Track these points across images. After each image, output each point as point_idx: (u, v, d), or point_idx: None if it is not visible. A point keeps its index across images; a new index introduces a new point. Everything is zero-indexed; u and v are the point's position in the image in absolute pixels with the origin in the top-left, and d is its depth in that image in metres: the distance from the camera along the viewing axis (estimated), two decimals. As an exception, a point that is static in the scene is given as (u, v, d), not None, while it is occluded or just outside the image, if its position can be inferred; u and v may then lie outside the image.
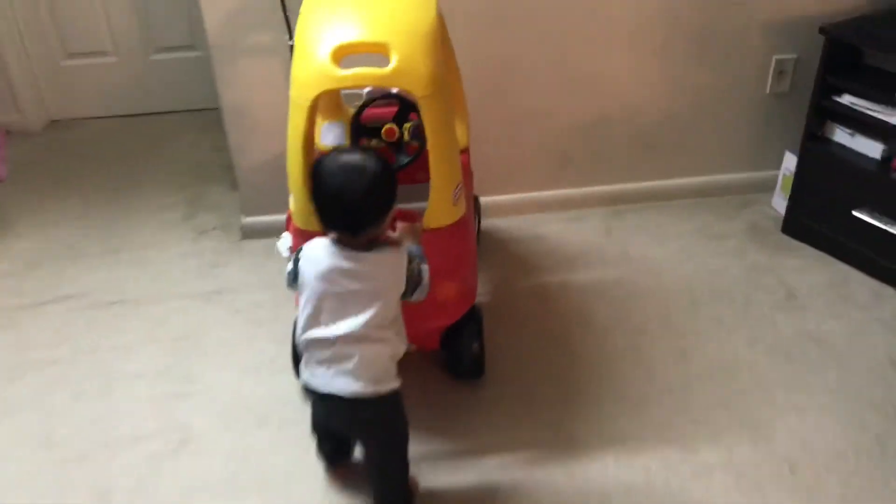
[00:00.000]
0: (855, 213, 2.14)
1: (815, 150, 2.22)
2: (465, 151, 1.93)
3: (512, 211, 2.46)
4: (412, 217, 1.50)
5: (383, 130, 1.72)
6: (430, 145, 1.46)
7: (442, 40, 1.53)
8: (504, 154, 2.37)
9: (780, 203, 2.44)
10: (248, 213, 2.40)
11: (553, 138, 2.38)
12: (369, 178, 1.31)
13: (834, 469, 1.62)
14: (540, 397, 1.81)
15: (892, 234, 2.07)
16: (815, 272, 2.20)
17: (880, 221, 2.09)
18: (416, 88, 1.42)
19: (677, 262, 2.24)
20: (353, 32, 1.45)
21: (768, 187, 2.50)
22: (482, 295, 2.03)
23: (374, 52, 1.43)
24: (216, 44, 2.11)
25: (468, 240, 1.70)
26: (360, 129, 1.75)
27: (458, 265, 1.63)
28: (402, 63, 1.40)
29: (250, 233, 2.40)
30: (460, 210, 1.56)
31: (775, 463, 1.64)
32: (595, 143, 2.41)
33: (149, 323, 2.10)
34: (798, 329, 1.99)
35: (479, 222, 2.27)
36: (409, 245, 1.42)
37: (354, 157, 1.35)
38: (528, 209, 2.46)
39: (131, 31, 2.99)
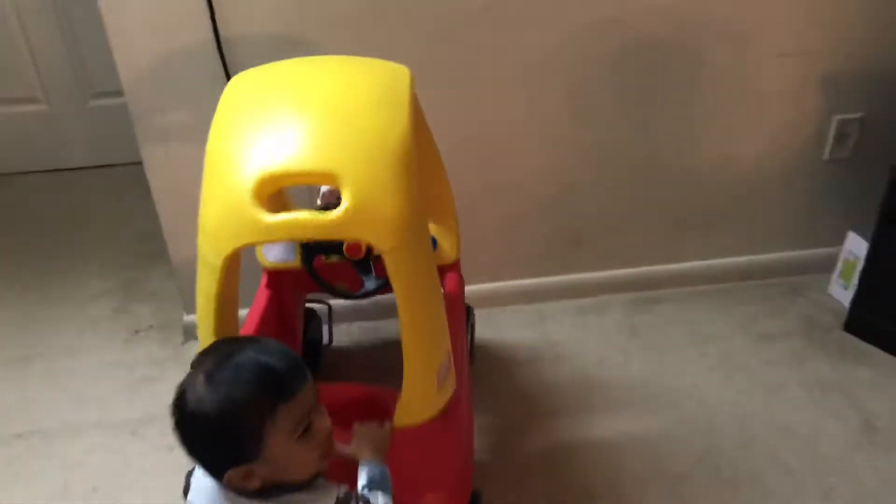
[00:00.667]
0: (947, 320, 1.71)
1: (886, 237, 1.79)
2: (453, 266, 1.50)
3: (512, 300, 2.02)
4: (381, 407, 1.06)
5: (346, 245, 1.28)
6: (400, 311, 1.02)
7: (416, 133, 1.10)
8: (500, 231, 1.94)
9: (838, 291, 2.01)
10: (190, 310, 1.95)
11: (561, 213, 1.95)
12: (199, 421, 0.90)
13: None
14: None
15: None
16: (895, 389, 1.77)
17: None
18: (379, 240, 0.97)
19: (722, 378, 1.81)
20: (288, 153, 1.00)
21: (822, 268, 2.07)
22: (480, 452, 1.59)
23: (319, 185, 1.00)
24: (137, 111, 1.67)
25: (459, 430, 1.24)
26: (315, 243, 1.32)
27: (444, 471, 1.19)
28: (359, 203, 0.96)
29: (193, 333, 1.95)
30: (447, 392, 1.12)
31: None
32: (613, 218, 1.98)
33: (59, 467, 1.66)
34: (885, 477, 1.56)
35: (473, 337, 1.84)
36: (367, 465, 0.99)
37: (205, 386, 0.90)
38: (535, 297, 2.03)
39: (64, 74, 2.54)
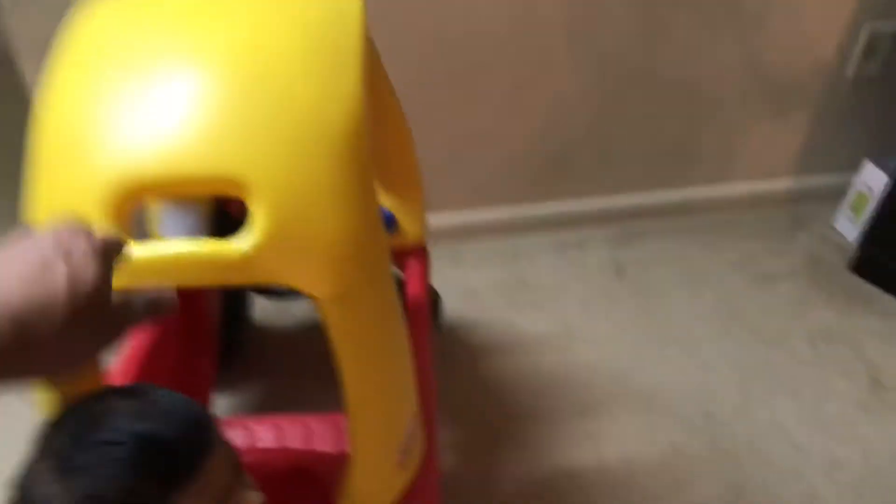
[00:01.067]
0: (974, 270, 1.52)
1: (917, 169, 1.57)
2: (418, 252, 1.23)
3: (486, 231, 1.78)
4: (325, 481, 0.81)
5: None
6: (344, 381, 0.73)
7: (372, 89, 0.78)
8: (469, 151, 1.67)
9: (846, 225, 1.80)
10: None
11: (543, 132, 1.67)
12: None
13: None
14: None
15: None
16: (906, 342, 1.59)
17: None
18: (313, 284, 0.68)
19: (718, 329, 1.60)
20: (164, 145, 0.65)
21: (829, 198, 1.85)
22: (451, 465, 1.37)
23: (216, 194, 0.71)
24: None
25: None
26: (227, 221, 1.01)
27: None
28: (279, 228, 0.65)
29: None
30: (411, 464, 0.86)
31: None
32: (602, 139, 1.71)
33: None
34: (893, 448, 1.39)
35: (439, 316, 1.58)
36: None
37: (57, 480, 0.57)
38: (508, 230, 1.78)
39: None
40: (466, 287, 1.66)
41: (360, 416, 0.74)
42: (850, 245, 1.75)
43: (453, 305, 1.60)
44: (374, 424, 0.76)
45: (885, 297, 1.67)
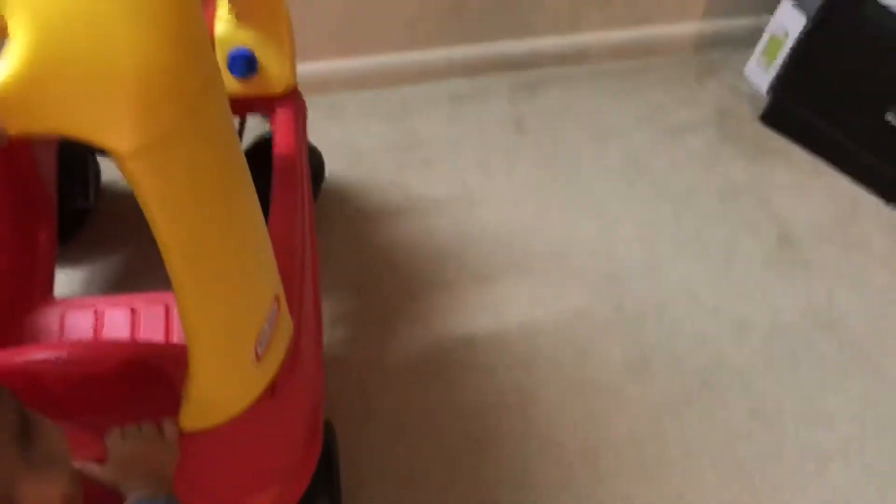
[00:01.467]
0: (889, 118, 1.43)
1: (840, 10, 1.44)
2: (287, 99, 1.01)
3: (366, 82, 1.56)
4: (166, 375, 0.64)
5: None
6: (167, 264, 0.55)
7: None
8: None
9: (757, 73, 1.68)
10: None
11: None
12: None
13: None
14: None
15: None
16: (814, 196, 1.51)
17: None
18: (105, 134, 0.47)
19: (624, 186, 1.48)
20: None
21: (740, 43, 1.72)
22: (338, 345, 1.21)
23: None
24: None
25: (298, 403, 0.79)
26: None
27: (274, 466, 0.78)
28: (49, 59, 0.45)
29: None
30: (276, 357, 0.69)
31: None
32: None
33: None
34: (802, 305, 1.34)
35: (320, 184, 1.37)
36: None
37: None
38: (396, 79, 1.58)
39: None
40: (350, 145, 1.46)
41: (193, 306, 0.56)
42: (760, 96, 1.65)
43: (336, 166, 1.40)
44: (214, 315, 0.59)
45: (796, 149, 1.59)
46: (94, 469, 0.60)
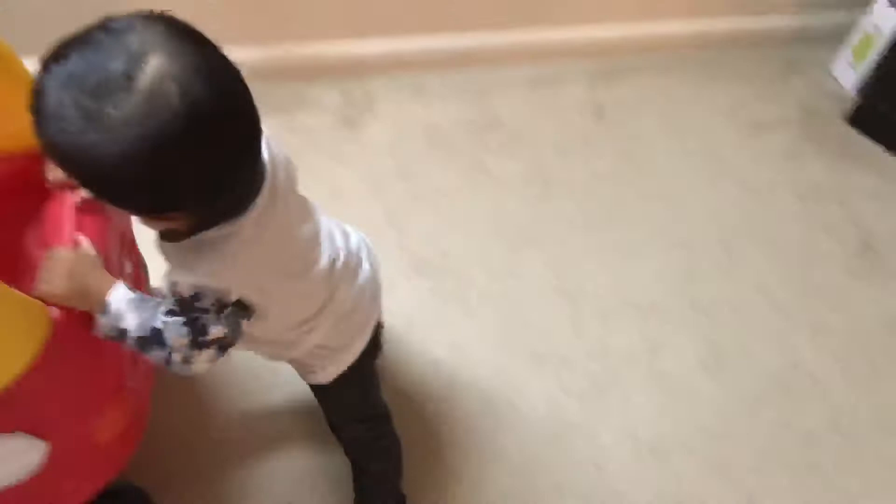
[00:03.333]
0: None
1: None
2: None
3: (444, 63, 1.55)
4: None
5: None
6: None
7: None
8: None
9: (844, 71, 1.65)
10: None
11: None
12: None
13: None
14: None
15: None
16: (899, 202, 1.48)
17: None
18: None
19: (706, 181, 1.46)
20: None
21: (830, 40, 1.68)
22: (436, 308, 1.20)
23: None
24: None
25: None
26: None
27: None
28: None
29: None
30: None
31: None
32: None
33: None
34: (883, 314, 1.31)
35: None
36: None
37: None
38: (475, 61, 1.56)
39: None
40: (430, 122, 1.46)
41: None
42: (847, 95, 1.60)
43: (416, 143, 1.40)
44: None
45: (883, 153, 1.55)
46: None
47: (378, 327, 0.89)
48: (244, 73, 0.57)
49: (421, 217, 1.30)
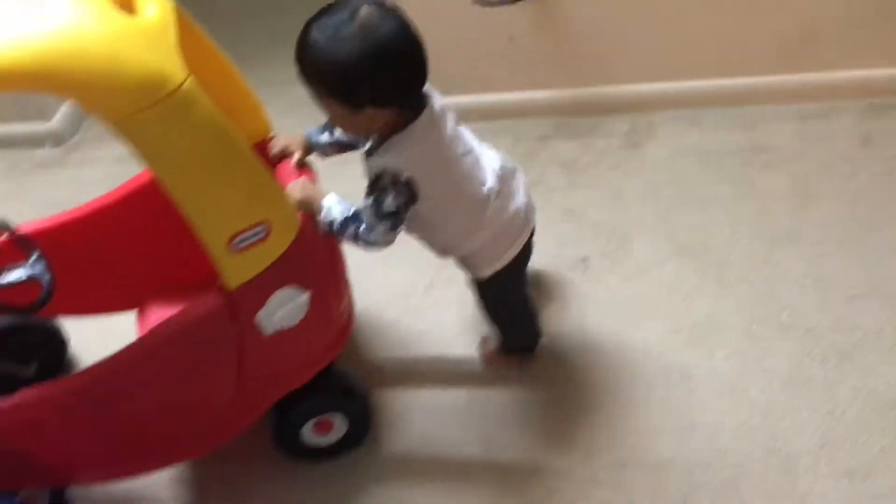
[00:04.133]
0: None
1: None
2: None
3: (723, 100, 1.80)
4: None
5: None
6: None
7: None
8: (719, 24, 1.70)
9: None
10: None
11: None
12: None
13: None
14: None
15: None
16: None
17: None
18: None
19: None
20: None
21: None
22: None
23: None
24: None
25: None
26: None
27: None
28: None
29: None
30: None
31: None
32: (859, 8, 1.66)
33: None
34: None
35: None
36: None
37: None
38: (747, 99, 1.80)
39: None
40: (702, 147, 1.72)
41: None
42: None
43: (689, 162, 1.68)
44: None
45: None
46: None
47: (530, 237, 1.21)
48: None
49: (687, 217, 1.57)
